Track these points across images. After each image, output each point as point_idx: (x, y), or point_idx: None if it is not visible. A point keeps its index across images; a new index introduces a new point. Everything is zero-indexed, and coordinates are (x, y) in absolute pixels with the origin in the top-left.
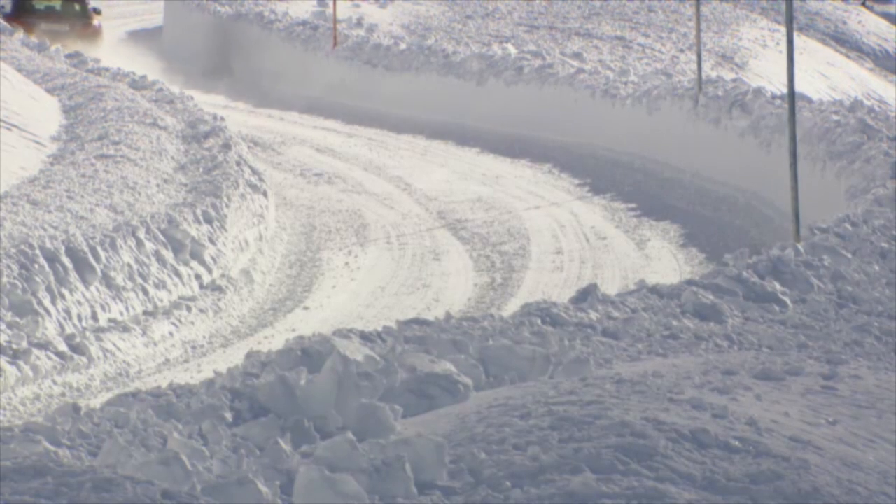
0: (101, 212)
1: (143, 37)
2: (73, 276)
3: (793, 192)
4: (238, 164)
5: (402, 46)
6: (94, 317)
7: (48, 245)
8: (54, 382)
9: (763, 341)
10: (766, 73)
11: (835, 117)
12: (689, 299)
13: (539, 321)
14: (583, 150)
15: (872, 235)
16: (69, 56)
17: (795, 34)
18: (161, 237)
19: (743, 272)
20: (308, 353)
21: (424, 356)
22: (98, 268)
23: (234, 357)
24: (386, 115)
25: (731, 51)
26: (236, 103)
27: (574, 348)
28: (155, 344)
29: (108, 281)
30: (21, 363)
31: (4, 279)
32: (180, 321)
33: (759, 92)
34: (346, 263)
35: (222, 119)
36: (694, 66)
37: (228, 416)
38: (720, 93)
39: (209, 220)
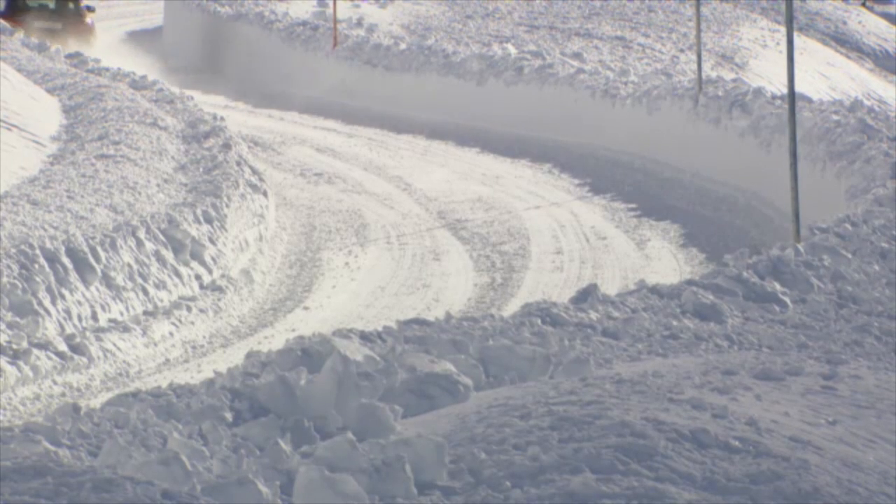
0: (101, 212)
1: (143, 37)
2: (73, 276)
3: (793, 192)
4: (238, 164)
5: (402, 46)
6: (95, 317)
7: (48, 245)
8: (54, 382)
9: (763, 341)
10: (766, 73)
11: (835, 117)
12: (689, 299)
13: (539, 321)
14: (583, 150)
15: (872, 235)
16: (69, 56)
17: (795, 34)
18: (161, 237)
19: (743, 272)
20: (308, 353)
21: (424, 356)
22: (98, 268)
23: (234, 357)
24: (386, 115)
25: (731, 51)
26: (236, 103)
27: (574, 348)
28: (155, 344)
29: (108, 281)
30: (21, 363)
31: (4, 279)
32: (180, 321)
33: (759, 92)
34: (346, 263)
35: (222, 119)
36: (694, 66)
37: (228, 416)
38: (720, 93)
39: (209, 220)
